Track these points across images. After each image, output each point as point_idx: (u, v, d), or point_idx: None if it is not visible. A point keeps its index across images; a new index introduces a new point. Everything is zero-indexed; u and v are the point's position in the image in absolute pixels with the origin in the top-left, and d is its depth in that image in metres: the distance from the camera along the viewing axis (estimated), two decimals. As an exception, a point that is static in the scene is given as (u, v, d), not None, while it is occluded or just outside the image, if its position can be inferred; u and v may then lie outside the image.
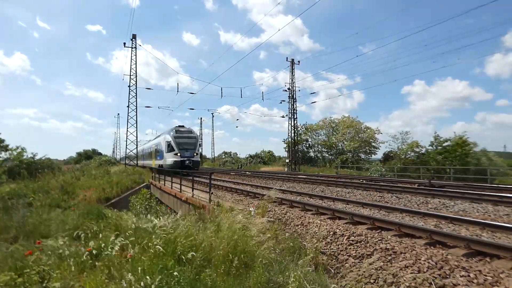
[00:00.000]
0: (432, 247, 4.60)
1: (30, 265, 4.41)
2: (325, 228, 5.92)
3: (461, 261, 3.94)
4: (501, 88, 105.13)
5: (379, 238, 5.00)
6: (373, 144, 44.70)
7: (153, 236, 4.63)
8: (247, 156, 60.11)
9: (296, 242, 5.27)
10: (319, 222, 6.38)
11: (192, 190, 10.64)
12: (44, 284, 4.12)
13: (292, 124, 38.19)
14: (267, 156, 56.35)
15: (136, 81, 33.12)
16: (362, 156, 44.87)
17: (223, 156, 69.21)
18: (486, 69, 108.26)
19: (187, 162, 22.60)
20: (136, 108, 33.45)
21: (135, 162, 35.13)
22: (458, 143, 24.89)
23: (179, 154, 22.69)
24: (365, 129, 45.00)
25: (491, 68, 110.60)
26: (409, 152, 32.44)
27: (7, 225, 9.70)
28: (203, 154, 66.61)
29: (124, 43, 33.09)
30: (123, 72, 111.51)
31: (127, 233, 5.06)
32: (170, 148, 23.29)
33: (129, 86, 32.88)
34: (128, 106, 33.06)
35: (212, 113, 63.72)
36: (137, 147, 35.12)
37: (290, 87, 37.51)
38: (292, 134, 38.21)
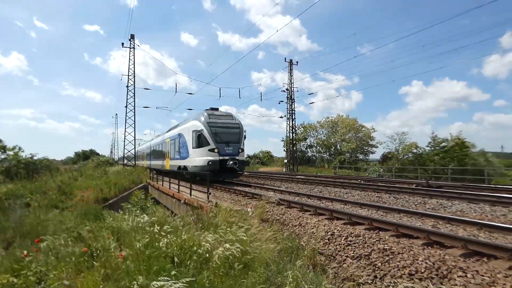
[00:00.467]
0: (429, 247, 4.61)
1: (27, 266, 4.40)
2: (323, 228, 5.92)
3: (459, 261, 3.95)
4: (498, 89, 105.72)
5: (377, 239, 5.01)
6: (370, 143, 44.96)
7: (147, 236, 4.62)
8: (246, 157, 59.98)
9: (294, 243, 5.26)
10: (317, 222, 6.38)
11: (190, 191, 10.62)
12: (41, 285, 4.10)
13: (291, 125, 38.22)
14: (266, 157, 56.36)
15: (134, 82, 33.05)
16: (360, 156, 45.04)
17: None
18: (484, 70, 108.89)
19: (231, 163, 14.83)
20: (134, 108, 33.35)
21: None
22: (457, 143, 24.99)
23: (216, 151, 14.95)
24: (359, 127, 45.31)
25: (488, 69, 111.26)
26: (407, 154, 32.55)
27: (4, 226, 9.66)
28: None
29: (122, 43, 33.02)
30: (121, 72, 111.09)
31: (122, 234, 5.04)
32: (200, 141, 15.35)
33: (127, 86, 32.79)
34: (126, 106, 32.95)
35: (211, 114, 63.43)
36: (135, 148, 34.94)
37: (288, 88, 37.53)
38: (291, 135, 38.24)
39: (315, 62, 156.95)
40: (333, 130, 47.95)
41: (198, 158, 15.29)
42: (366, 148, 45.89)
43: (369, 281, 3.94)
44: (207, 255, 4.17)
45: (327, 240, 5.46)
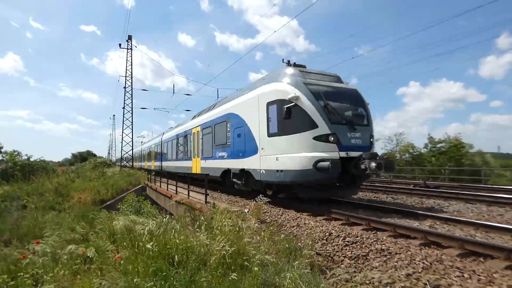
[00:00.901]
0: (426, 247, 4.63)
1: (23, 268, 4.37)
2: (320, 229, 5.93)
3: (455, 261, 3.97)
4: (495, 90, 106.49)
5: (374, 239, 5.02)
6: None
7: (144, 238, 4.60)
8: None
9: (291, 244, 5.26)
10: (314, 223, 6.39)
11: (188, 192, 10.60)
12: (38, 287, 4.09)
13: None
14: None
15: (131, 82, 32.98)
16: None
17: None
18: (480, 71, 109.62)
19: (372, 165, 7.07)
20: (132, 110, 33.30)
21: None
22: (455, 145, 25.11)
23: (333, 140, 7.46)
24: None
25: (485, 70, 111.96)
26: (404, 154, 32.63)
27: (1, 228, 9.60)
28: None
29: (120, 44, 32.94)
30: (118, 73, 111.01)
31: (118, 235, 5.03)
32: (293, 122, 7.78)
33: (124, 88, 32.72)
34: (123, 108, 32.89)
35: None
36: (132, 148, 34.78)
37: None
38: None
39: (313, 63, 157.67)
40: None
41: (286, 157, 7.79)
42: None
43: (367, 282, 3.94)
44: (205, 256, 4.17)
45: (325, 241, 5.47)
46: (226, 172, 11.30)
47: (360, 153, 7.45)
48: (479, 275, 3.55)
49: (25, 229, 9.21)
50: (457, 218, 6.51)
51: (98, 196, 18.53)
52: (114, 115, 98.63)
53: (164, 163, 22.79)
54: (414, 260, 4.11)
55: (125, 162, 35.03)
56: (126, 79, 32.83)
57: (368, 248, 4.78)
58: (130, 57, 32.90)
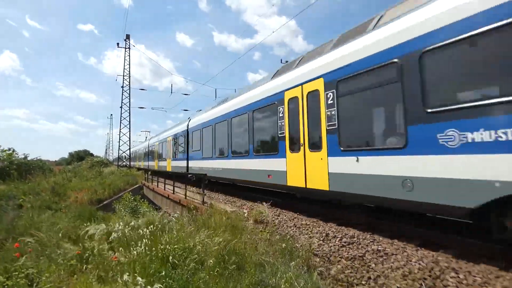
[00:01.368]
0: (423, 248, 4.64)
1: (19, 268, 4.34)
2: (318, 230, 5.94)
3: (451, 262, 3.99)
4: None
5: (371, 240, 5.03)
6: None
7: (142, 240, 4.59)
8: None
9: (288, 244, 5.27)
10: (312, 224, 6.40)
11: (185, 192, 10.59)
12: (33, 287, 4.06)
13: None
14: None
15: (129, 82, 32.93)
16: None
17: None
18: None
19: None
20: (130, 109, 33.24)
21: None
22: None
23: None
24: None
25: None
26: None
27: (-4, 227, 9.54)
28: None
29: (118, 44, 32.90)
30: (115, 72, 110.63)
31: (115, 236, 5.02)
32: None
33: (122, 87, 32.67)
34: (121, 107, 32.83)
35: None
36: (130, 148, 34.70)
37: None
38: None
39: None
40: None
41: None
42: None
43: (363, 282, 3.96)
44: (202, 255, 4.16)
45: (321, 242, 5.47)
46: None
47: None
48: (474, 276, 3.57)
49: (21, 228, 9.15)
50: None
51: (95, 196, 18.49)
52: (111, 115, 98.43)
53: (197, 163, 14.42)
54: (410, 261, 4.13)
55: (124, 161, 34.95)
56: (124, 78, 32.79)
57: (365, 248, 4.80)
58: (128, 56, 32.89)
